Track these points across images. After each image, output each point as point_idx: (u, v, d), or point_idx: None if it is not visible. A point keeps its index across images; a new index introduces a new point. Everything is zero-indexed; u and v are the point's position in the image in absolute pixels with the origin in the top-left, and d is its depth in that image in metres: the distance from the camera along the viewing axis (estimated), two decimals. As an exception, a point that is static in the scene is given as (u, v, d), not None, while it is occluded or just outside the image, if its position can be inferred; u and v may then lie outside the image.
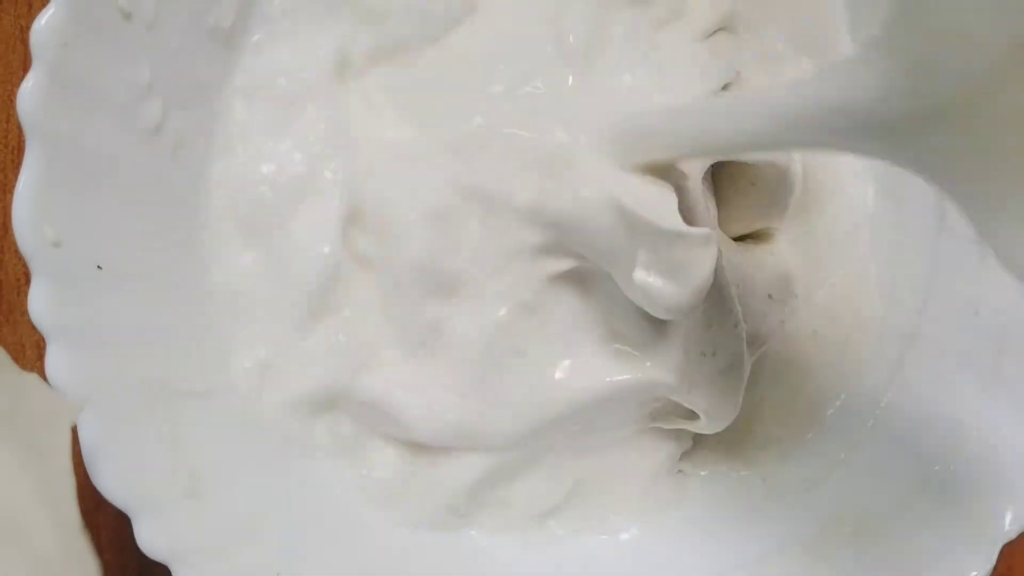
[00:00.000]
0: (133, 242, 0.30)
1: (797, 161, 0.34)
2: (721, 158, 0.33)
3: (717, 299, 0.32)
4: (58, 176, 0.27)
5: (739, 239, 0.36)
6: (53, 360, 0.27)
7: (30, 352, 0.35)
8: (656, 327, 0.33)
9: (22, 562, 0.23)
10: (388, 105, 0.34)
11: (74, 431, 0.25)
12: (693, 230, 0.30)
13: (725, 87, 0.32)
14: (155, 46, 0.30)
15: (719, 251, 0.32)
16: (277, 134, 0.33)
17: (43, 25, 0.27)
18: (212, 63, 0.32)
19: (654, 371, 0.33)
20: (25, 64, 0.36)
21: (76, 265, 0.28)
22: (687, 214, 0.30)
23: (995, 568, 0.31)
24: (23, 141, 0.27)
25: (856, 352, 0.36)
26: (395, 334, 0.33)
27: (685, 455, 0.36)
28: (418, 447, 0.34)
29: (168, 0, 0.30)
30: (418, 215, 0.32)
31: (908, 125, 0.21)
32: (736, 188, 0.35)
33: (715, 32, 0.34)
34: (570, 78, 0.31)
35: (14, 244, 0.27)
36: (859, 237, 0.36)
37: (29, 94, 0.27)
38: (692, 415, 0.34)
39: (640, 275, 0.30)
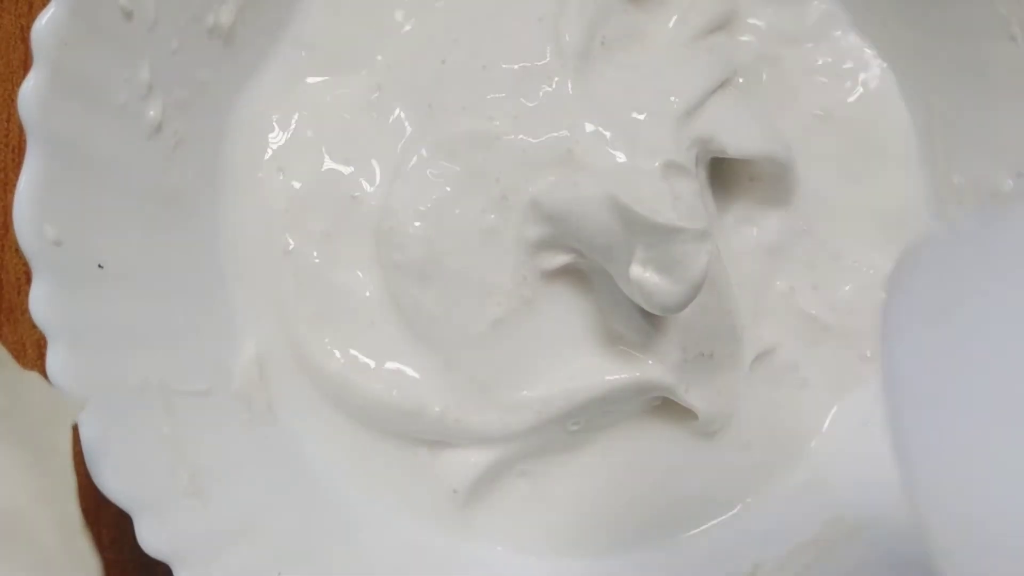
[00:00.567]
0: (134, 241, 0.30)
1: (798, 159, 0.34)
2: (718, 155, 0.33)
3: (715, 297, 0.32)
4: (59, 175, 0.27)
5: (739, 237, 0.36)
6: (54, 359, 0.27)
7: (31, 351, 0.35)
8: (654, 326, 0.33)
9: (23, 561, 0.23)
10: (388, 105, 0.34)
11: (75, 430, 0.25)
12: (689, 226, 0.30)
13: (723, 84, 0.32)
14: (156, 46, 0.30)
15: (717, 248, 0.32)
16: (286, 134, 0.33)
17: (44, 25, 0.27)
18: (212, 63, 0.32)
19: (652, 370, 0.33)
20: (26, 64, 0.36)
21: (77, 264, 0.28)
22: (685, 210, 0.30)
23: (995, 567, 0.31)
24: (24, 140, 0.27)
25: (859, 349, 0.36)
26: (396, 331, 0.33)
27: (684, 454, 0.36)
28: (417, 444, 0.34)
29: (168, 0, 0.30)
30: (417, 211, 0.32)
31: None
32: (736, 184, 0.35)
33: (713, 32, 0.34)
34: (568, 77, 0.31)
35: (15, 243, 0.27)
36: (860, 236, 0.36)
37: (30, 94, 0.27)
38: (691, 414, 0.34)
39: (636, 271, 0.30)
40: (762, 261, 0.35)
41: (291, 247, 0.33)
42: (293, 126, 0.34)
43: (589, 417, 0.34)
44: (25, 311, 0.28)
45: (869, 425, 0.35)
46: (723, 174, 0.35)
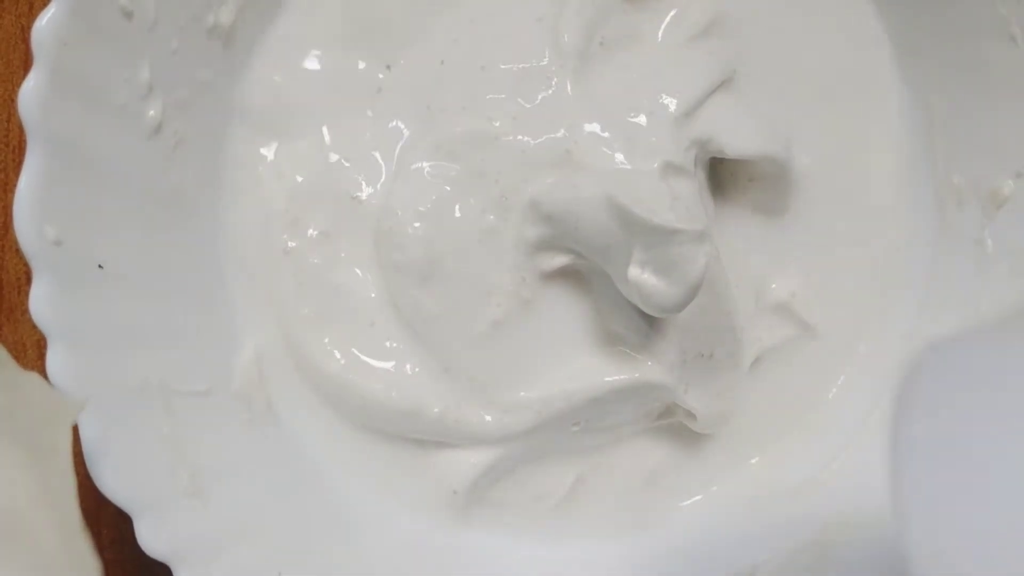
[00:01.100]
0: (134, 241, 0.30)
1: (797, 158, 0.34)
2: (717, 156, 0.33)
3: (714, 298, 0.32)
4: (59, 175, 0.27)
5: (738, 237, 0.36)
6: (54, 359, 0.27)
7: (31, 351, 0.35)
8: (653, 327, 0.33)
9: (23, 561, 0.23)
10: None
11: (75, 430, 0.25)
12: (688, 227, 0.30)
13: (722, 85, 0.32)
14: (155, 46, 0.30)
15: (716, 249, 0.32)
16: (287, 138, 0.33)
17: (44, 25, 0.27)
18: (212, 63, 0.32)
19: (651, 371, 0.33)
20: (26, 64, 0.36)
21: (77, 264, 0.28)
22: (683, 211, 0.30)
23: (995, 568, 0.31)
24: (24, 141, 0.27)
25: (856, 353, 0.36)
26: (395, 331, 0.33)
27: (685, 454, 0.36)
28: (417, 444, 0.34)
29: (168, 0, 0.30)
30: (417, 212, 0.32)
31: None
32: (735, 184, 0.35)
33: (711, 31, 0.34)
34: (567, 77, 0.31)
35: (15, 243, 0.27)
36: (859, 237, 0.36)
37: (30, 94, 0.27)
38: (690, 415, 0.34)
39: (635, 272, 0.30)
40: (761, 262, 0.35)
41: (291, 247, 0.33)
42: (293, 126, 0.34)
43: (588, 418, 0.34)
44: (25, 311, 0.28)
45: (868, 426, 0.35)
46: (721, 175, 0.35)
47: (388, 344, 0.33)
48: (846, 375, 0.36)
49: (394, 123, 0.33)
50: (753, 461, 0.36)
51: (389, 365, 0.33)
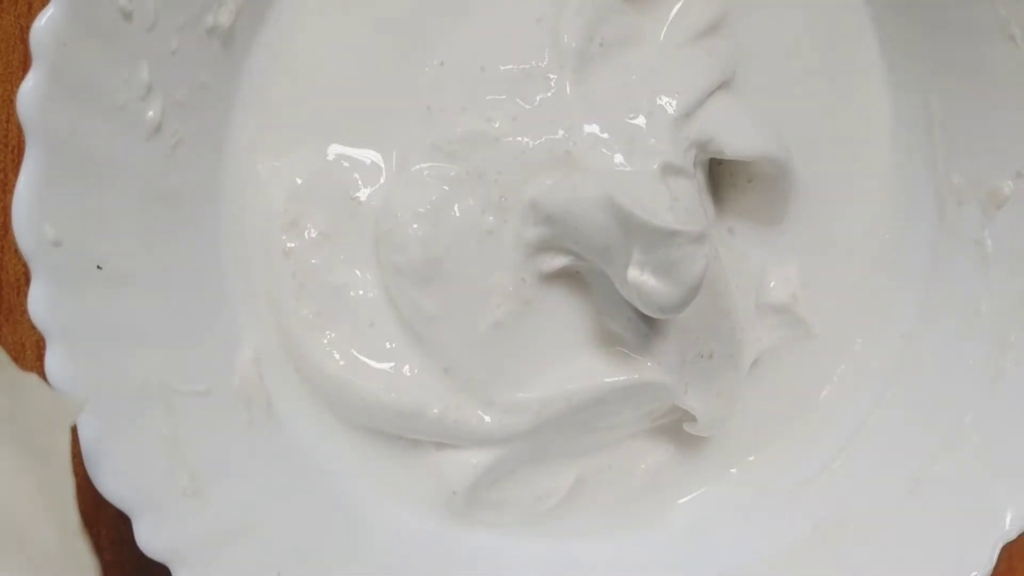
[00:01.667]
0: (133, 242, 0.30)
1: (796, 159, 0.34)
2: (716, 157, 0.33)
3: (714, 299, 0.32)
4: (58, 176, 0.27)
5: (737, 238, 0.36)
6: (53, 360, 0.27)
7: (30, 352, 0.35)
8: (652, 328, 0.33)
9: (22, 562, 0.23)
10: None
11: (74, 431, 0.25)
12: (687, 228, 0.30)
13: (721, 86, 0.32)
14: (155, 46, 0.30)
15: (715, 249, 0.32)
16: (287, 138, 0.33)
17: (43, 25, 0.27)
18: (211, 64, 0.32)
19: (650, 372, 0.33)
20: (25, 64, 0.36)
21: (76, 265, 0.28)
22: (683, 212, 0.30)
23: (995, 568, 0.31)
24: (23, 141, 0.27)
25: (855, 353, 0.36)
26: (395, 332, 0.33)
27: (684, 454, 0.36)
28: (416, 444, 0.34)
29: (168, 1, 0.30)
30: (416, 213, 0.32)
31: None
32: (734, 186, 0.35)
33: (711, 32, 0.34)
34: (566, 78, 0.31)
35: (14, 244, 0.27)
36: (858, 237, 0.36)
37: (29, 94, 0.27)
38: (690, 418, 0.34)
39: (634, 273, 0.30)
40: (761, 262, 0.35)
41: (290, 248, 0.33)
42: (293, 127, 0.34)
43: (588, 418, 0.34)
44: (24, 312, 0.28)
45: (867, 426, 0.35)
46: (721, 175, 0.35)
47: (388, 345, 0.33)
48: (845, 375, 0.36)
49: (394, 123, 0.33)
50: (751, 460, 0.36)
51: (389, 366, 0.33)
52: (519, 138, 0.31)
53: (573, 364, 0.33)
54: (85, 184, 0.28)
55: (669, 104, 0.31)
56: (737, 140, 0.32)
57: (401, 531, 0.34)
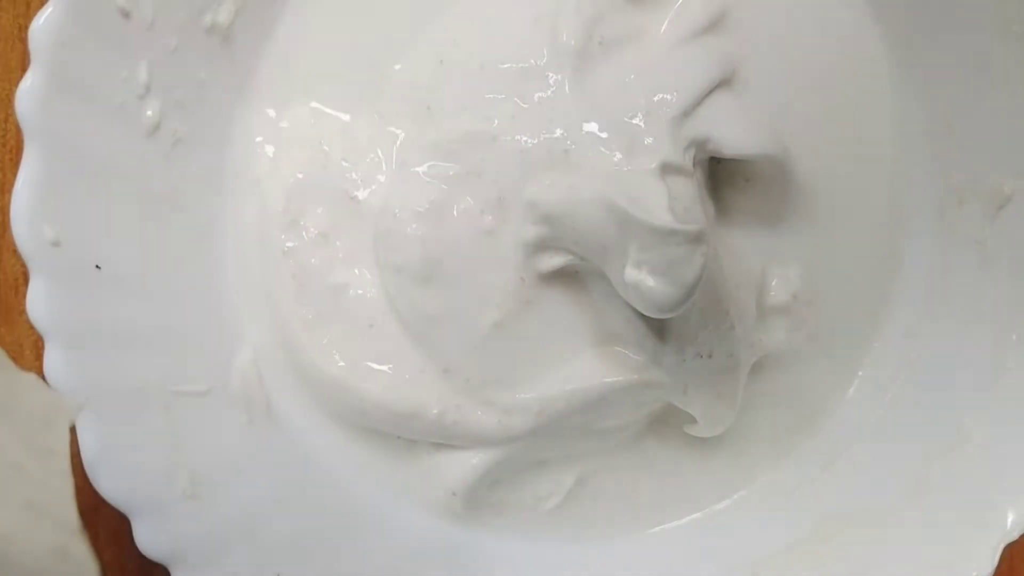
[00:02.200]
0: (132, 241, 0.30)
1: (796, 158, 0.34)
2: (715, 155, 0.33)
3: (713, 299, 0.32)
4: (56, 175, 0.27)
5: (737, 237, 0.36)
6: (52, 360, 0.27)
7: (29, 352, 0.35)
8: (652, 328, 0.33)
9: (21, 562, 0.23)
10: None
11: (73, 431, 0.25)
12: (684, 227, 0.29)
13: (720, 85, 0.32)
14: (153, 45, 0.30)
15: (714, 249, 0.32)
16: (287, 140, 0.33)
17: (41, 24, 0.27)
18: (210, 63, 0.32)
19: (649, 373, 0.33)
20: (23, 63, 0.36)
21: (75, 265, 0.28)
22: (681, 212, 0.30)
23: (997, 568, 0.31)
24: (21, 140, 0.27)
25: (856, 353, 0.36)
26: (394, 332, 0.33)
27: (684, 455, 0.36)
28: (416, 445, 0.34)
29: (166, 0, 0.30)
30: (415, 213, 0.32)
31: None
32: (732, 185, 0.35)
33: (710, 30, 0.34)
34: (565, 77, 0.31)
35: (12, 244, 0.27)
36: (859, 237, 0.36)
37: (27, 93, 0.27)
38: (691, 420, 0.34)
39: (631, 272, 0.30)
40: (761, 262, 0.35)
41: (289, 248, 0.33)
42: (292, 127, 0.34)
43: (588, 419, 0.33)
44: (23, 312, 0.28)
45: (869, 425, 0.35)
46: (720, 175, 0.35)
47: (387, 345, 0.33)
48: (846, 376, 0.36)
49: (393, 123, 0.33)
50: (751, 460, 0.36)
51: (388, 366, 0.33)
52: (518, 137, 0.31)
53: (573, 364, 0.33)
54: (84, 184, 0.28)
55: (668, 103, 0.31)
56: (736, 139, 0.32)
57: (400, 532, 0.34)
